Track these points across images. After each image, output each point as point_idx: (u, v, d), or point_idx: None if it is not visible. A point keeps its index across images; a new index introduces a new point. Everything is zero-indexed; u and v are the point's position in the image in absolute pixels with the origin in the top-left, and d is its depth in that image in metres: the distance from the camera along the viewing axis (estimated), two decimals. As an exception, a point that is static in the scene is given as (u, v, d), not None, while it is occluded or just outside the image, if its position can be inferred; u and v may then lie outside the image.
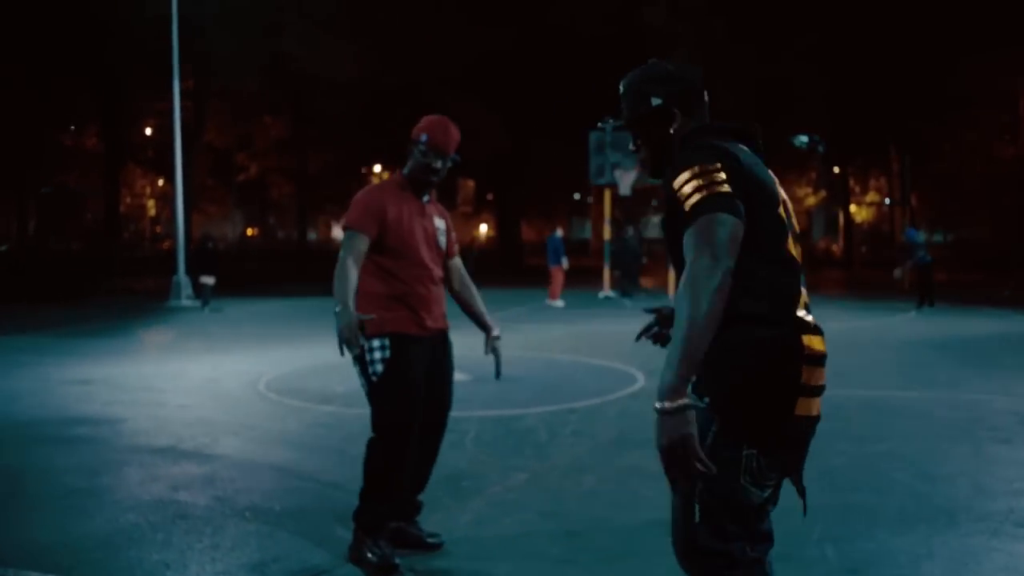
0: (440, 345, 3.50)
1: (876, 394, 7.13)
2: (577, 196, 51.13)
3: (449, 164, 3.44)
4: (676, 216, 1.91)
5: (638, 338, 2.42)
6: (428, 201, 3.52)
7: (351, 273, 3.26)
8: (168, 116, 27.33)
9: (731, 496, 1.90)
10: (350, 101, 28.71)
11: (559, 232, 18.61)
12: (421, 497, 3.61)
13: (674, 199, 1.91)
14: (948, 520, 3.88)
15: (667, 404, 1.74)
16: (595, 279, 22.17)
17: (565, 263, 17.50)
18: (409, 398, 3.31)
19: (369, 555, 3.31)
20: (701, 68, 2.25)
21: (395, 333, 3.31)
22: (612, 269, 17.74)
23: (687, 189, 1.87)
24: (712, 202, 1.83)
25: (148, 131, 33.26)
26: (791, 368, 1.88)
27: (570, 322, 13.83)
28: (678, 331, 1.75)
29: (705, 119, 2.14)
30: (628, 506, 4.14)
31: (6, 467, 4.94)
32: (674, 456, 1.74)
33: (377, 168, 41.61)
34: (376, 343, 3.29)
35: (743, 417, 1.89)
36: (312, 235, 50.30)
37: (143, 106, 30.39)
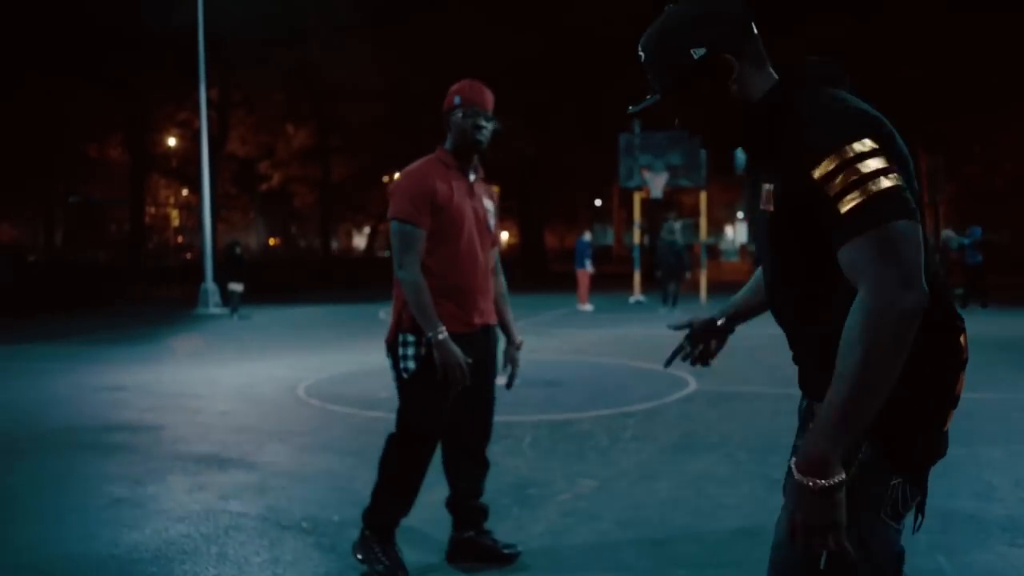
0: (485, 343, 3.17)
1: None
2: (599, 203, 50.80)
3: (493, 125, 3.11)
4: (795, 213, 1.46)
5: (668, 363, 2.09)
6: (475, 180, 3.18)
7: (426, 288, 2.95)
8: (190, 126, 27.42)
9: (869, 537, 1.48)
10: (374, 108, 28.56)
11: (587, 235, 18.35)
12: (485, 502, 3.32)
13: (803, 192, 1.42)
14: (1065, 529, 3.57)
15: (814, 481, 1.34)
16: (622, 284, 21.87)
17: (589, 266, 17.27)
18: (439, 402, 3.02)
19: (376, 564, 3.07)
20: None
21: None
22: (655, 272, 17.48)
23: (838, 183, 1.37)
24: (883, 204, 1.35)
25: (172, 141, 33.33)
26: (952, 376, 1.52)
27: (604, 326, 13.53)
28: (841, 381, 1.33)
29: (765, 59, 1.60)
30: (710, 514, 3.86)
31: (46, 475, 4.73)
32: (811, 539, 1.37)
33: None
34: (412, 338, 2.99)
35: (902, 438, 1.48)
36: (334, 244, 50.27)
37: (165, 116, 30.42)
